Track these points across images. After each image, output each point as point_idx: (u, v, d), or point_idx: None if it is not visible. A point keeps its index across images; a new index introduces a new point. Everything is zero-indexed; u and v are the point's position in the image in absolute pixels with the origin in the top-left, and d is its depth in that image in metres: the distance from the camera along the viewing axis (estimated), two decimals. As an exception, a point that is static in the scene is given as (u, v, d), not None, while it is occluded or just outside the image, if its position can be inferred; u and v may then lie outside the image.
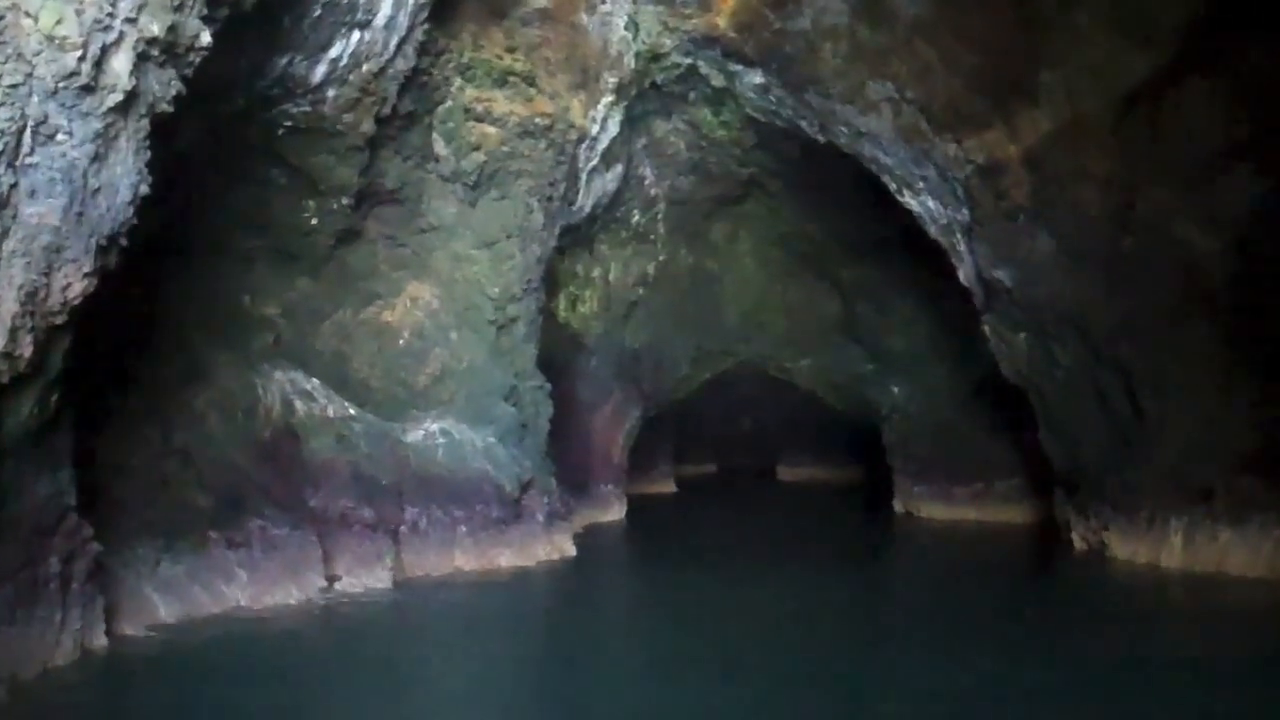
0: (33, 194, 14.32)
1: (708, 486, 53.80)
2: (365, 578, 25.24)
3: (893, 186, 30.98)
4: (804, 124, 31.70)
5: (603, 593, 28.33)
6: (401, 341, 29.58)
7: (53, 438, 16.96)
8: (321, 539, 24.80)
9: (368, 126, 25.78)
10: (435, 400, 29.45)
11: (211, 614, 21.69)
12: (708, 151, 36.08)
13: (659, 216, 38.24)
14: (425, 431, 28.81)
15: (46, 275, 14.68)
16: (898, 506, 40.35)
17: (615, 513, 39.96)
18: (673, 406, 44.17)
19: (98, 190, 15.07)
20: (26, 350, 14.67)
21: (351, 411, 27.73)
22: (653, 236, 38.69)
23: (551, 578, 28.70)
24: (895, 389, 40.34)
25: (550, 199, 30.84)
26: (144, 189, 15.80)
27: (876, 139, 30.01)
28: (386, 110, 26.12)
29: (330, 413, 27.29)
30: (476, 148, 28.91)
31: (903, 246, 35.07)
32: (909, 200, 30.94)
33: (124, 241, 15.84)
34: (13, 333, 14.35)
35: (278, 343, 27.79)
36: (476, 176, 29.20)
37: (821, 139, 31.58)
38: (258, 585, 22.76)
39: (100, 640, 18.42)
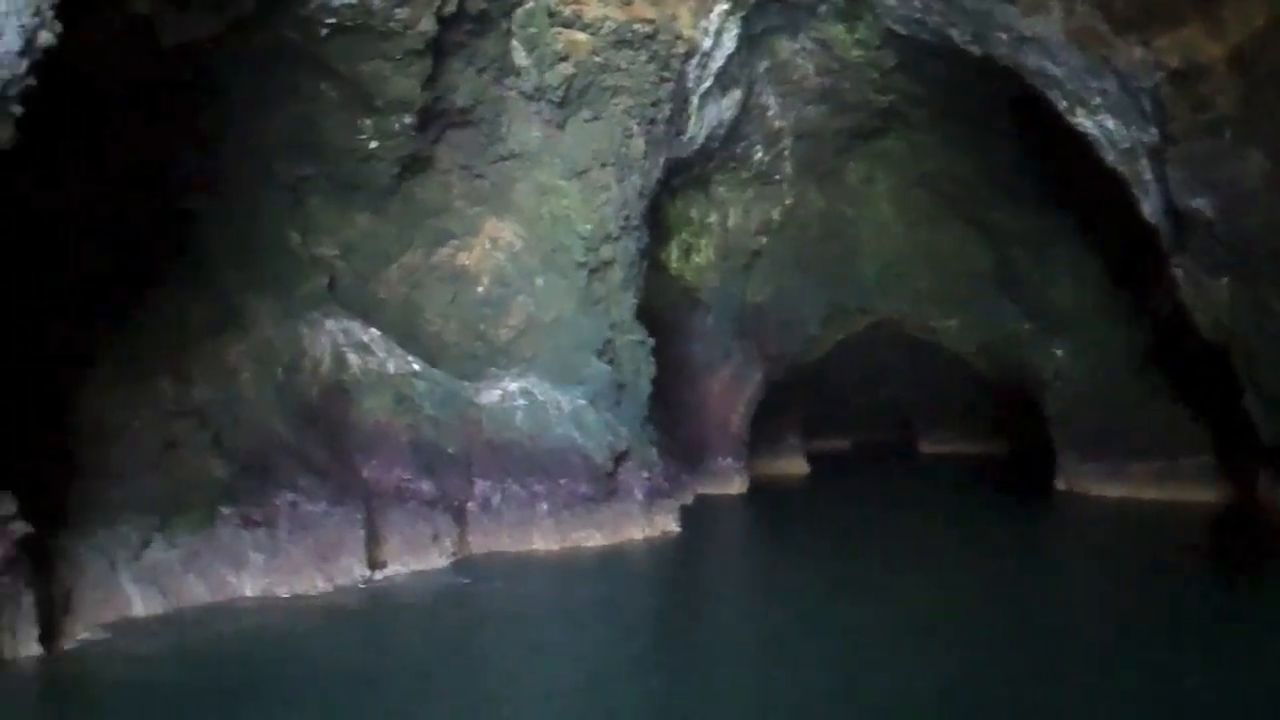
0: None
1: (842, 463, 49.06)
2: (417, 563, 21.60)
3: (1061, 105, 26.37)
4: (954, 33, 27.14)
5: (705, 585, 23.84)
6: (480, 289, 26.21)
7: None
8: (368, 517, 21.00)
9: (427, 25, 22.23)
10: (517, 356, 25.81)
11: (205, 606, 18.01)
12: (840, 76, 31.53)
13: (784, 153, 33.85)
14: (502, 392, 25.21)
15: (-123, 143, 10.69)
16: (1060, 484, 35.38)
17: (733, 489, 35.46)
18: (800, 373, 39.72)
19: (-40, 31, 11.01)
20: None
21: (415, 367, 24.17)
22: (777, 176, 34.39)
23: (646, 562, 24.88)
24: (1058, 351, 35.40)
25: (653, 122, 26.85)
26: (46, 36, 11.60)
27: (1043, 45, 25.42)
28: (451, 7, 22.41)
29: (390, 368, 23.74)
30: (564, 58, 25.12)
31: (1069, 183, 30.65)
32: (1081, 121, 26.24)
33: (16, 108, 11.69)
34: None
35: (332, 287, 24.30)
36: (564, 93, 25.42)
37: (975, 51, 27.07)
38: (276, 573, 19.09)
39: (26, 650, 14.54)
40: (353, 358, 23.36)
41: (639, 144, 26.61)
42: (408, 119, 23.48)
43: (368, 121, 23.32)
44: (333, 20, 21.30)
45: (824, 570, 23.62)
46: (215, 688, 14.36)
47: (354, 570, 20.22)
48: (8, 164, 12.50)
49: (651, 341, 27.69)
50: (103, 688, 14.56)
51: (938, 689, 14.51)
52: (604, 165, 26.08)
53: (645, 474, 26.58)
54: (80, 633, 15.98)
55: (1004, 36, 25.94)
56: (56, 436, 17.41)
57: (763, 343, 36.52)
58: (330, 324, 23.48)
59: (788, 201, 35.02)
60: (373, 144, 23.67)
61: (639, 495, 26.19)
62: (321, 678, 14.99)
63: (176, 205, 21.40)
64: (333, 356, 23.09)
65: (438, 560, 21.96)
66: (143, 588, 17.24)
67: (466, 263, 25.98)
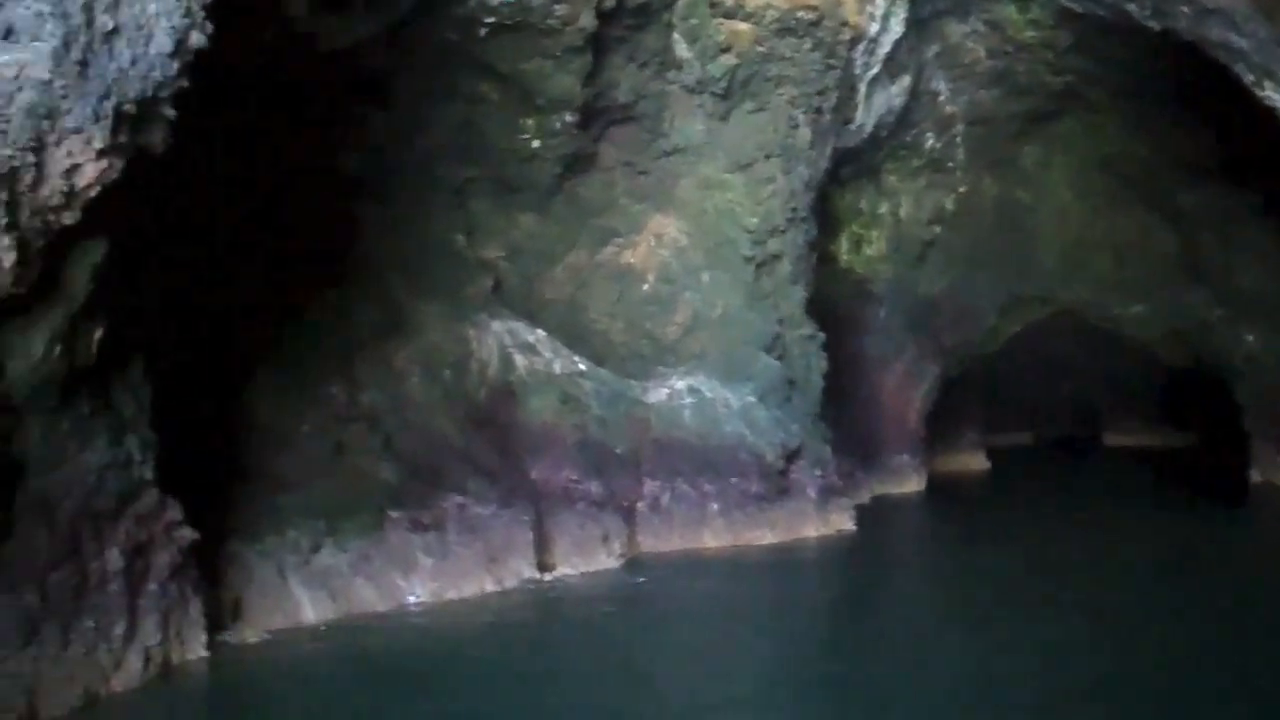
0: (8, 33, 10.29)
1: (1023, 458, 47.47)
2: (586, 565, 21.34)
3: (1248, 79, 24.72)
4: (1132, 8, 25.76)
5: (883, 583, 23.23)
6: (645, 286, 25.80)
7: (108, 390, 13.07)
8: (537, 518, 20.83)
9: (587, 21, 21.90)
10: (684, 354, 25.36)
11: (375, 613, 17.87)
12: (1014, 58, 30.29)
13: (957, 140, 32.75)
14: (670, 390, 24.72)
15: (35, 152, 10.68)
16: (1255, 476, 33.58)
17: (911, 486, 34.48)
18: (978, 365, 38.52)
19: (113, 33, 10.97)
20: (7, 259, 10.72)
21: (581, 367, 23.87)
22: (950, 164, 33.27)
23: (821, 559, 24.18)
24: (1249, 337, 33.66)
25: (819, 111, 26.17)
26: (198, 38, 11.55)
27: (1227, 17, 23.79)
28: (610, 2, 22.13)
29: (556, 369, 23.44)
30: (726, 49, 24.50)
31: (1256, 161, 28.89)
32: (1270, 95, 24.56)
33: (169, 111, 11.67)
34: None
35: (498, 289, 24.09)
36: (727, 85, 24.85)
37: (1154, 26, 25.62)
38: (446, 576, 18.87)
39: (195, 653, 14.61)
40: (519, 358, 23.15)
41: (805, 134, 25.92)
42: (569, 117, 23.21)
43: (529, 121, 23.12)
44: (491, 19, 21.13)
45: (1009, 569, 22.70)
46: (386, 691, 14.20)
47: (523, 572, 20.00)
48: (168, 169, 12.54)
49: (822, 336, 26.90)
50: (271, 692, 14.55)
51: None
52: (769, 157, 25.44)
53: (819, 472, 25.87)
54: (249, 638, 15.99)
55: (1185, 10, 24.52)
56: (226, 444, 17.53)
57: (938, 335, 35.39)
58: (496, 325, 23.30)
59: (961, 189, 33.87)
60: (535, 144, 23.46)
61: (812, 494, 25.49)
62: (493, 680, 14.77)
63: (343, 210, 21.51)
64: (499, 358, 22.91)
65: (607, 561, 21.64)
66: (312, 592, 17.19)
67: (631, 260, 25.61)
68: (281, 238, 19.52)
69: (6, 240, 10.71)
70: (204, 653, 14.79)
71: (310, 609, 17.11)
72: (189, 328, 16.81)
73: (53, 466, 12.60)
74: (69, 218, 11.24)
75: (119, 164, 11.34)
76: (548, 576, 20.47)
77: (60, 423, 12.63)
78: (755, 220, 25.43)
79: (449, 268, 23.35)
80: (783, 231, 25.76)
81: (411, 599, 18.41)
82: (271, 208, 19.25)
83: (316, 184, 20.63)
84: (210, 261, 17.62)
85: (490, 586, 19.27)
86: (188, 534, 14.30)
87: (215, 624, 15.33)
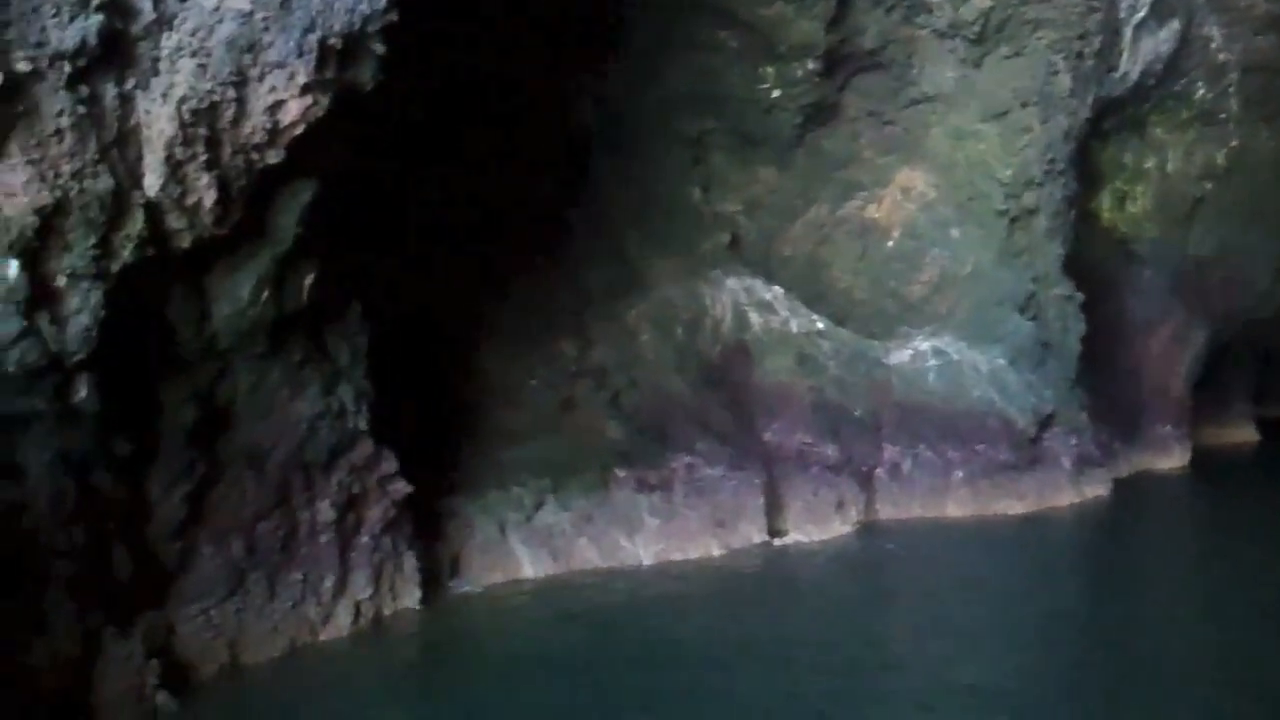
0: (209, -36, 10.02)
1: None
2: (818, 531, 20.48)
3: None
4: None
5: (1142, 558, 21.36)
6: (890, 243, 24.82)
7: (321, 338, 12.82)
8: (768, 482, 20.10)
9: None
10: (930, 314, 24.36)
11: (596, 571, 17.38)
12: (1295, -1, 28.00)
13: (1230, 89, 30.48)
14: (913, 352, 23.82)
15: (236, 87, 10.31)
16: None
17: (1174, 460, 32.38)
18: (1249, 332, 36.11)
19: (318, -39, 10.56)
20: (208, 198, 10.39)
21: (820, 326, 23.11)
22: (1223, 115, 31.00)
23: (1074, 531, 22.98)
24: None
25: (1080, 57, 24.60)
26: (413, -33, 11.09)
27: None
28: (856, -58, 20.94)
29: (793, 327, 22.70)
30: (980, -9, 23.21)
31: None
32: None
33: (378, 46, 11.20)
34: (175, 169, 10.09)
35: (735, 245, 23.46)
36: (981, 28, 23.49)
37: None
38: (671, 538, 18.38)
39: (408, 607, 14.41)
40: (755, 316, 22.47)
41: (1064, 81, 24.32)
42: (811, 65, 22.27)
43: (769, 70, 22.31)
44: (731, -37, 20.43)
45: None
46: (603, 652, 13.76)
47: (752, 537, 19.33)
48: (382, 109, 12.19)
49: (1080, 296, 25.36)
50: (483, 649, 14.27)
51: None
52: (1025, 105, 23.99)
53: (1073, 440, 24.50)
54: (465, 593, 15.77)
55: None
56: (447, 397, 17.30)
57: (1206, 299, 33.22)
58: (732, 282, 22.69)
59: (1234, 143, 31.53)
60: (775, 93, 22.61)
61: (1066, 463, 24.15)
62: (716, 644, 14.19)
63: (577, 163, 21.14)
64: (734, 315, 22.29)
65: (841, 528, 20.80)
66: (533, 551, 16.88)
67: (876, 215, 24.61)
68: (511, 190, 19.17)
69: (206, 179, 10.47)
70: (417, 607, 14.59)
71: (529, 567, 16.81)
72: (411, 279, 16.55)
73: (262, 415, 12.46)
74: (273, 156, 10.95)
75: (324, 101, 10.97)
76: (777, 542, 19.72)
77: (270, 371, 12.45)
78: (1009, 173, 24.08)
79: (684, 223, 22.81)
80: (1039, 184, 24.28)
81: (635, 560, 17.90)
82: (499, 157, 18.85)
83: (548, 135, 20.24)
84: (434, 212, 17.34)
85: (717, 550, 18.65)
86: (402, 487, 14.07)
87: (430, 579, 15.10)
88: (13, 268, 9.72)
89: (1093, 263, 28.44)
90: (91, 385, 10.47)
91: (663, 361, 20.86)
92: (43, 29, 9.42)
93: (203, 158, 10.36)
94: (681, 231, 22.62)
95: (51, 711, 10.17)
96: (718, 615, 15.65)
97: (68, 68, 9.61)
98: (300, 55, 10.53)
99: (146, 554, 11.59)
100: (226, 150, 10.57)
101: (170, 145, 10.10)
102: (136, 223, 10.29)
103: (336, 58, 10.85)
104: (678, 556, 18.17)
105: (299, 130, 10.82)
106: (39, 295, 9.97)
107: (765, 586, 17.48)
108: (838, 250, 24.59)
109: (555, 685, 12.48)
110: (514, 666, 13.29)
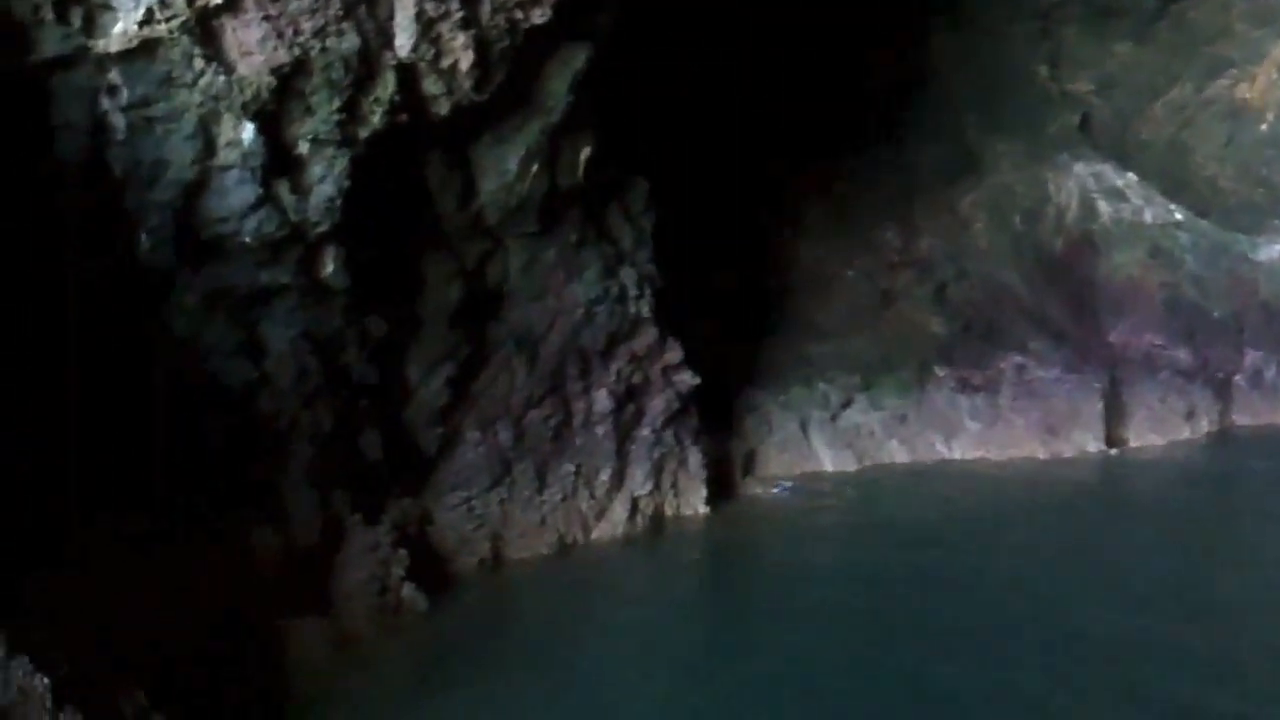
0: None
1: None
2: (1162, 440, 18.78)
3: None
4: None
5: None
6: (1264, 126, 22.56)
7: (603, 218, 12.21)
8: (1110, 386, 18.67)
9: None
10: (1304, 207, 21.93)
11: (905, 469, 16.37)
12: None
13: None
14: (1285, 248, 21.43)
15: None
16: None
17: None
18: None
19: None
20: (465, 60, 9.76)
21: (1178, 217, 21.41)
22: None
23: None
24: None
25: None
26: None
27: None
28: None
29: (1147, 218, 21.04)
30: None
31: None
32: None
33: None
34: (427, 27, 9.48)
35: (1085, 127, 21.94)
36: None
37: None
38: (992, 444, 17.26)
39: (693, 506, 13.79)
40: (1103, 205, 20.89)
41: None
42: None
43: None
44: None
45: None
46: (914, 571, 12.54)
47: (1086, 445, 17.86)
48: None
49: None
50: (766, 551, 13.56)
51: None
52: None
53: None
54: (759, 492, 15.11)
55: None
56: (747, 285, 16.50)
57: None
58: (1079, 167, 21.15)
59: None
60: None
61: None
62: (1044, 569, 12.74)
63: (914, 37, 19.83)
64: (1080, 204, 20.79)
65: (1189, 436, 19.05)
66: (836, 452, 16.12)
67: (1247, 95, 22.37)
68: (830, 63, 17.99)
69: (463, 38, 9.82)
70: (703, 508, 13.93)
71: (829, 462, 16.06)
72: (711, 159, 15.72)
73: (534, 298, 11.97)
74: (538, 16, 10.19)
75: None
76: (1114, 451, 18.15)
77: (544, 251, 11.93)
78: None
79: (1029, 102, 21.38)
80: None
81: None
82: (817, 29, 17.67)
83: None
84: (739, 86, 16.41)
85: (1043, 456, 17.34)
86: (688, 378, 13.39)
87: (720, 476, 14.45)
88: (248, 131, 9.38)
89: None
90: (339, 260, 10.19)
91: (996, 253, 19.57)
92: None
93: (458, 15, 9.72)
94: (1025, 112, 21.25)
95: (285, 601, 9.90)
96: (1048, 531, 14.29)
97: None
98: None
99: (401, 440, 11.39)
100: (486, 8, 9.92)
101: (421, 1, 9.51)
102: (387, 86, 9.81)
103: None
104: (997, 457, 17.06)
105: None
106: (278, 162, 9.65)
107: (1102, 502, 15.99)
108: (1202, 134, 22.55)
109: (855, 603, 11.37)
110: (794, 574, 12.49)
